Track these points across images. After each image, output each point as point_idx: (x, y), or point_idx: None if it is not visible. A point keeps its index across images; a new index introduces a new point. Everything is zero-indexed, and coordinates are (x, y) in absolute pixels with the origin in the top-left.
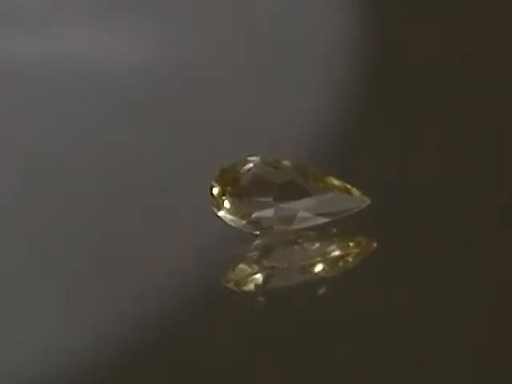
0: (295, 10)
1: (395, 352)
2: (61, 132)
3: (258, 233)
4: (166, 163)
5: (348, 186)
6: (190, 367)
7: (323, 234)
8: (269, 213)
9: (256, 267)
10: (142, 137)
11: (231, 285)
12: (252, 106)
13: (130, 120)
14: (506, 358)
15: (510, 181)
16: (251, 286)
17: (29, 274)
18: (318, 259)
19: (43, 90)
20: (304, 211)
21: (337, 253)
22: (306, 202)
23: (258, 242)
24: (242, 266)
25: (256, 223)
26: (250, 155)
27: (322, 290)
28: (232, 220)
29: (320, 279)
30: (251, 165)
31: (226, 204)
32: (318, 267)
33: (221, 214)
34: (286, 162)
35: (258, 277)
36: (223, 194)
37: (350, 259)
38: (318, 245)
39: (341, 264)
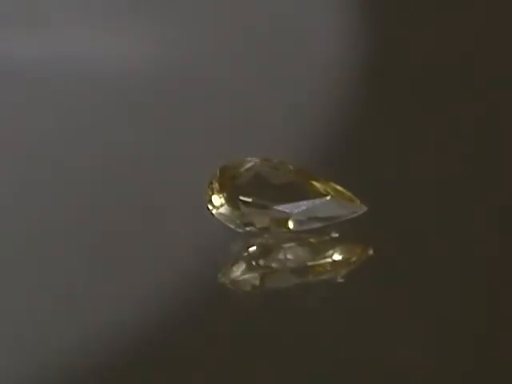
0: (295, 10)
1: (395, 352)
2: (61, 132)
3: (254, 233)
4: (165, 163)
5: (347, 192)
6: (190, 367)
7: (320, 236)
8: (265, 214)
9: (252, 267)
10: (142, 137)
11: (228, 284)
12: (252, 106)
13: (130, 120)
14: (506, 358)
15: (510, 181)
16: (247, 287)
17: (29, 274)
18: (315, 261)
19: (43, 90)
20: (300, 214)
21: (333, 256)
22: (303, 205)
23: (254, 242)
24: (238, 265)
25: (252, 224)
26: (250, 157)
27: (322, 290)
28: (228, 219)
29: (320, 280)
30: (250, 165)
31: (223, 203)
32: (315, 269)
33: (217, 213)
34: (285, 164)
35: (255, 277)
36: (221, 194)
37: (347, 263)
38: (314, 247)
39: (338, 267)
